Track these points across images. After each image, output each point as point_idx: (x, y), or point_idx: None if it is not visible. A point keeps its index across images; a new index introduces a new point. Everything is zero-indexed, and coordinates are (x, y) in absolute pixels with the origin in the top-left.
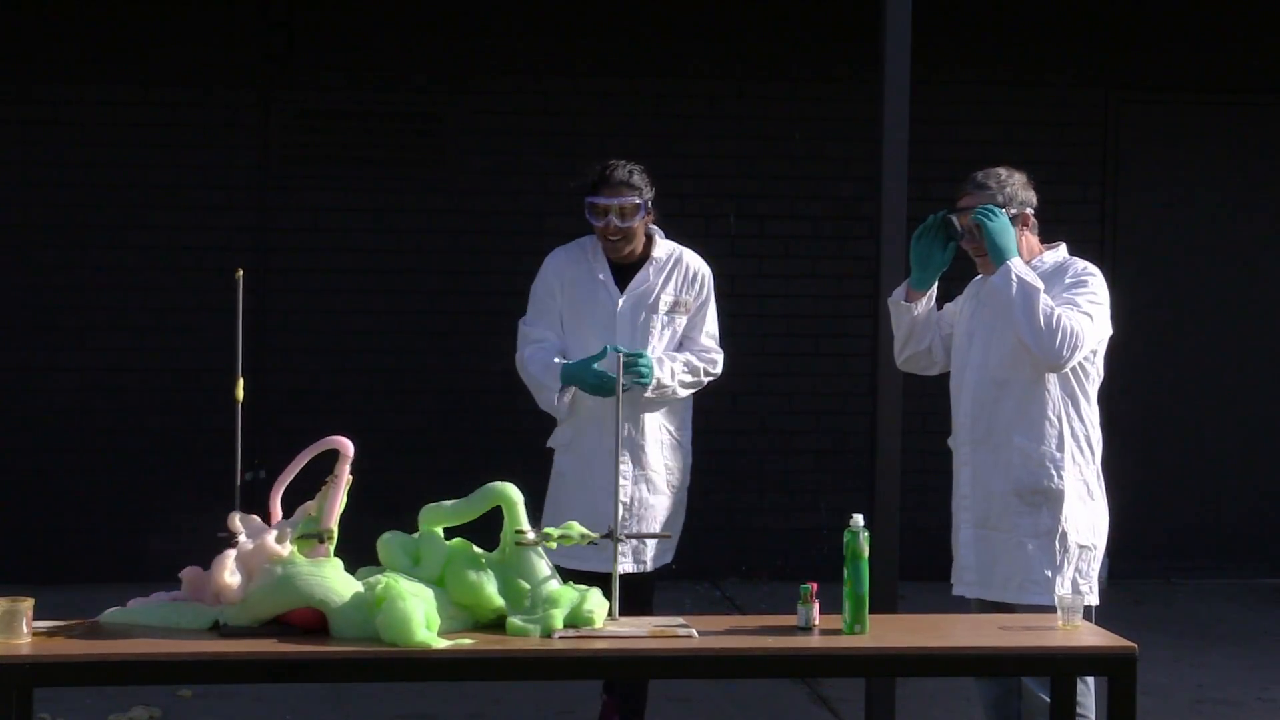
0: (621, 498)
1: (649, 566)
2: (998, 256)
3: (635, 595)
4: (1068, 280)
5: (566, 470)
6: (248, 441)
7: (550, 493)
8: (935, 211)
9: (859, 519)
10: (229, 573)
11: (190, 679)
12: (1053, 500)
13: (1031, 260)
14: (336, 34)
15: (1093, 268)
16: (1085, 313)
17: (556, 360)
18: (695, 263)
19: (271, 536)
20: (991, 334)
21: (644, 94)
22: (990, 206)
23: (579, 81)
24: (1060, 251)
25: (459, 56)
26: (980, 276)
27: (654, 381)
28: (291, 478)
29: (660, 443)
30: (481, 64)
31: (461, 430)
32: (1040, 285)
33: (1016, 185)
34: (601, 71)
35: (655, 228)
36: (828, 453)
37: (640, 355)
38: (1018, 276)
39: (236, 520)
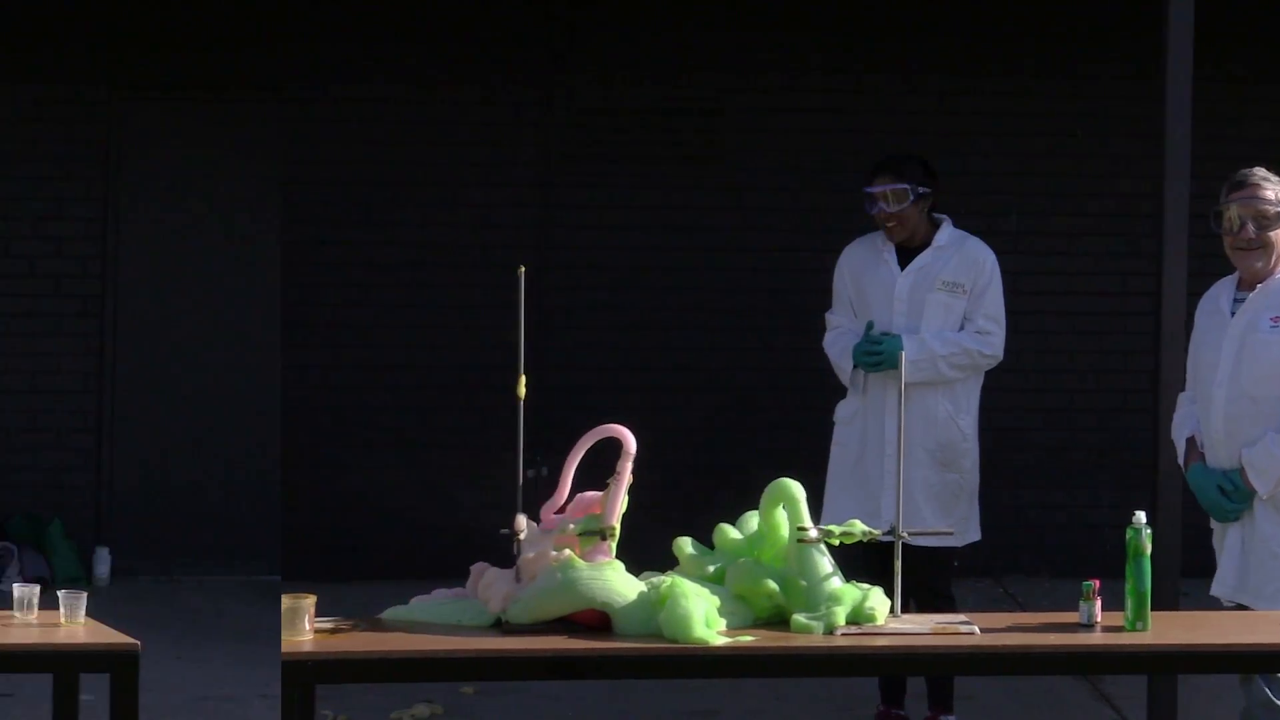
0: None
1: (931, 542)
2: None
3: (932, 573)
4: None
5: (848, 442)
6: (530, 439)
7: (832, 461)
8: (1212, 209)
9: (1141, 516)
10: (484, 585)
11: (472, 675)
12: None
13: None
14: (617, 29)
15: None
16: None
17: (850, 343)
18: (979, 248)
19: (551, 541)
20: (1241, 348)
21: (924, 91)
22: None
23: (858, 79)
24: None
25: (740, 51)
26: (1222, 282)
27: (902, 360)
28: (576, 461)
29: (930, 421)
30: (762, 59)
31: (746, 428)
32: None
33: None
34: (879, 68)
35: (944, 216)
36: (1109, 450)
37: (887, 337)
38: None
39: (522, 521)
